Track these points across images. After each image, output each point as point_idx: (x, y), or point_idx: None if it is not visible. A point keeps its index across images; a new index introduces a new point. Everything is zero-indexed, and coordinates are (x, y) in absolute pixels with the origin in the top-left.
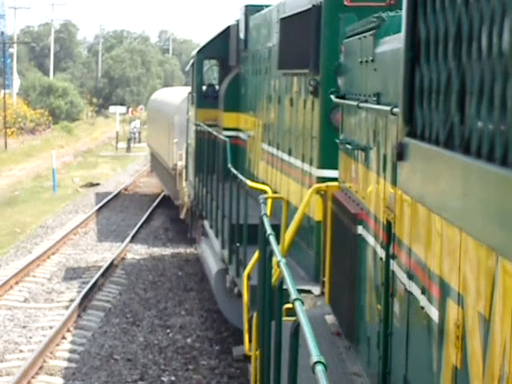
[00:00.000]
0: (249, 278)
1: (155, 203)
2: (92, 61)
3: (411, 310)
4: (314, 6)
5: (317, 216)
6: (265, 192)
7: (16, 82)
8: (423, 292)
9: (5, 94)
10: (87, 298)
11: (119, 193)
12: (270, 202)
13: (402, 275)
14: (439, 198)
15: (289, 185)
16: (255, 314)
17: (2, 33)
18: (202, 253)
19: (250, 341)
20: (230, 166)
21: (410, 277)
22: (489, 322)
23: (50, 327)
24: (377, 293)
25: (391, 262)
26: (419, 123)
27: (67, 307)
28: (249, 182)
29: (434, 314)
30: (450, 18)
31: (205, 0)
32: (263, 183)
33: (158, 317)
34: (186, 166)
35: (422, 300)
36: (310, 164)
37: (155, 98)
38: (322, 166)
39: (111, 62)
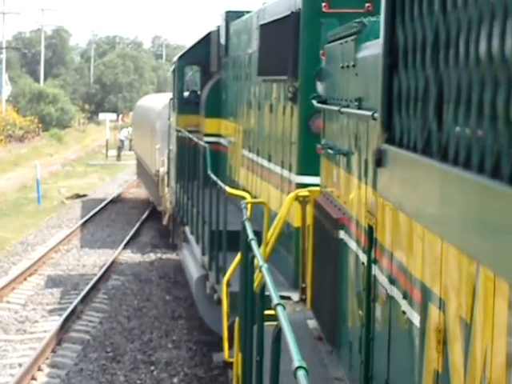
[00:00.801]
0: (228, 284)
1: (144, 216)
2: (85, 67)
3: (393, 315)
4: (292, 12)
5: (296, 222)
6: (244, 198)
7: (6, 88)
8: (405, 297)
9: None
10: (64, 328)
11: (106, 205)
12: (249, 207)
13: (383, 280)
14: (417, 205)
15: (269, 191)
16: (236, 320)
17: None
18: (183, 259)
19: (229, 348)
20: (209, 172)
21: (392, 281)
22: (470, 327)
23: (20, 365)
24: (358, 298)
25: (373, 266)
26: (397, 130)
27: (41, 339)
28: (228, 189)
29: (415, 318)
30: (427, 25)
31: (198, 6)
32: (244, 189)
33: (142, 351)
34: (168, 172)
35: (404, 305)
36: (290, 170)
37: (140, 104)
38: (301, 173)
39: (103, 67)
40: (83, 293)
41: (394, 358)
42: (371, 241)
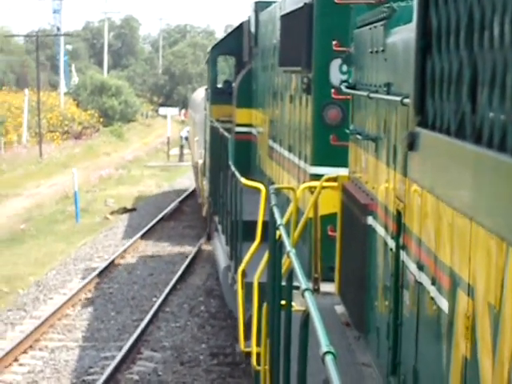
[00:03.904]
0: (243, 274)
1: (201, 241)
2: (154, 57)
3: (421, 301)
4: (305, 3)
5: (309, 213)
6: (258, 189)
7: (72, 80)
8: (433, 283)
9: (39, 93)
10: None
11: (156, 224)
12: (263, 195)
13: (411, 266)
14: (450, 188)
15: (289, 182)
16: (264, 306)
17: (58, 28)
18: (213, 248)
19: (245, 338)
20: (230, 163)
21: (420, 267)
22: (499, 313)
23: None
24: (387, 284)
25: (401, 252)
26: (430, 113)
27: None
28: (243, 180)
29: (443, 304)
30: (461, 8)
31: None
32: (270, 180)
33: None
34: (204, 163)
35: (432, 291)
36: (305, 161)
37: (193, 96)
38: (314, 163)
39: (172, 57)
40: None
41: (421, 344)
42: (399, 226)
